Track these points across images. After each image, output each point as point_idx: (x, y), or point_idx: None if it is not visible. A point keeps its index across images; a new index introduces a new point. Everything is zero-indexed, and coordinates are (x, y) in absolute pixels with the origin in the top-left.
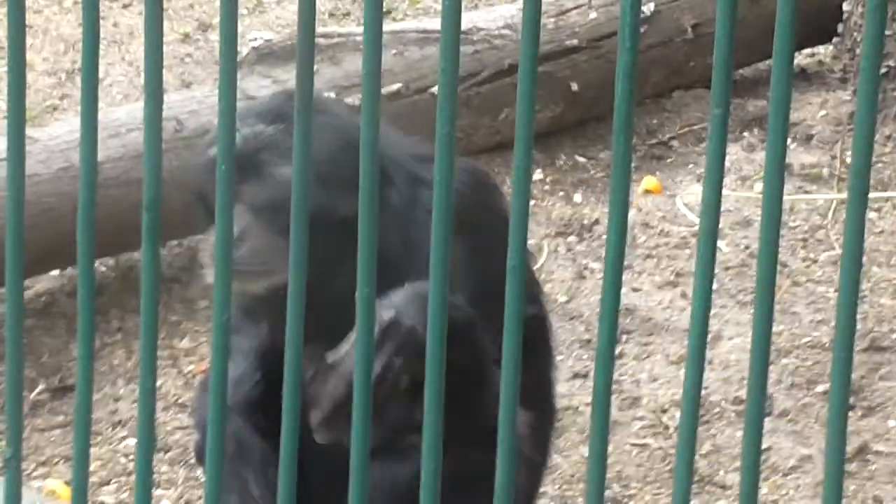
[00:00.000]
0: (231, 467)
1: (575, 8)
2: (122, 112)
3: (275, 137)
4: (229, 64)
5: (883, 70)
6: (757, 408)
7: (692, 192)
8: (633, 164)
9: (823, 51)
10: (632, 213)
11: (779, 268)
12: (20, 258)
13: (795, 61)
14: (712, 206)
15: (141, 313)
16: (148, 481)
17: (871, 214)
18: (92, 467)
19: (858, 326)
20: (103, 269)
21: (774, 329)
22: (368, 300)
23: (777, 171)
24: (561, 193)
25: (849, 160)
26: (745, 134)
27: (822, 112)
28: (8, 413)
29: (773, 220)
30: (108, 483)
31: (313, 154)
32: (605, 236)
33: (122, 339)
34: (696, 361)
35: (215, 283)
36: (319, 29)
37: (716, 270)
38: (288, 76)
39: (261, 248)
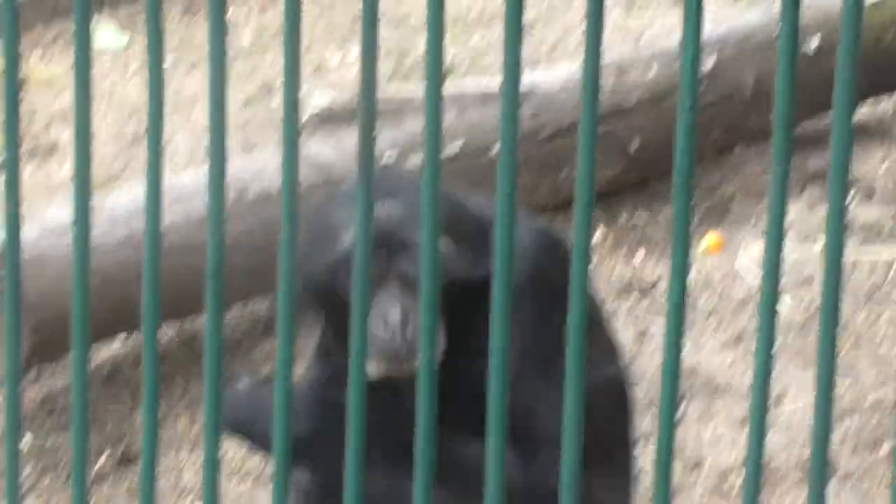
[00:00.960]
0: None
1: (634, 66)
2: (186, 178)
3: (407, 209)
4: (292, 128)
5: None
6: (820, 470)
7: (754, 250)
8: (693, 223)
9: (885, 103)
10: (692, 272)
11: (841, 326)
12: (86, 327)
13: (856, 115)
14: (773, 266)
15: (205, 381)
16: None
17: None
18: None
19: None
20: (166, 335)
21: (837, 389)
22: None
23: (838, 228)
24: (622, 252)
25: None
26: (807, 190)
27: (885, 166)
28: (74, 482)
29: (835, 279)
30: None
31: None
32: (665, 296)
33: (187, 405)
34: (759, 423)
35: (278, 348)
36: (380, 91)
37: (778, 329)
38: (351, 138)
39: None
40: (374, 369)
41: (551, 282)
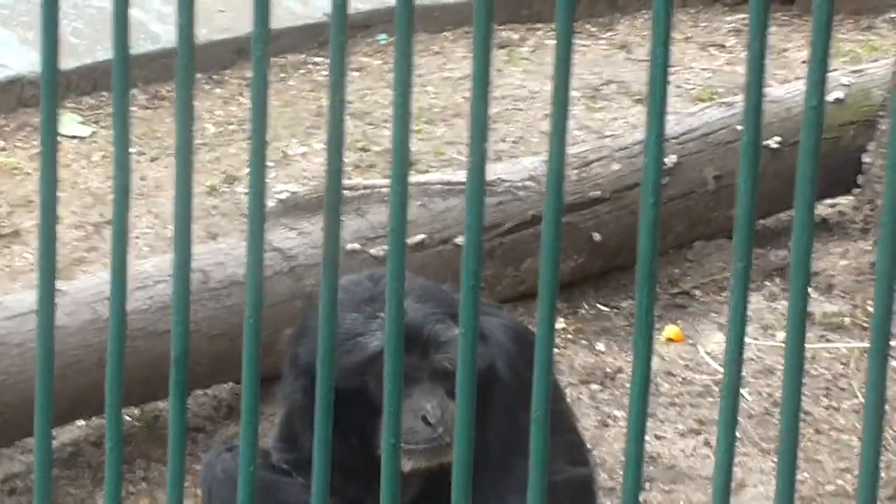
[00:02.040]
0: None
1: (598, 160)
2: (149, 265)
3: (434, 308)
4: (257, 217)
5: None
6: None
7: (714, 341)
8: (655, 314)
9: (844, 201)
10: (654, 362)
11: (802, 416)
12: (49, 409)
13: (817, 212)
14: (735, 359)
15: (168, 465)
16: None
17: (893, 363)
18: None
19: (882, 475)
20: (128, 418)
21: (798, 477)
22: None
23: (799, 321)
24: (584, 342)
25: (870, 309)
26: (767, 283)
27: (844, 262)
28: None
29: (796, 369)
30: None
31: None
32: (628, 384)
33: (147, 488)
34: None
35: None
36: (345, 181)
37: (739, 419)
38: (313, 228)
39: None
40: (415, 462)
41: (525, 378)
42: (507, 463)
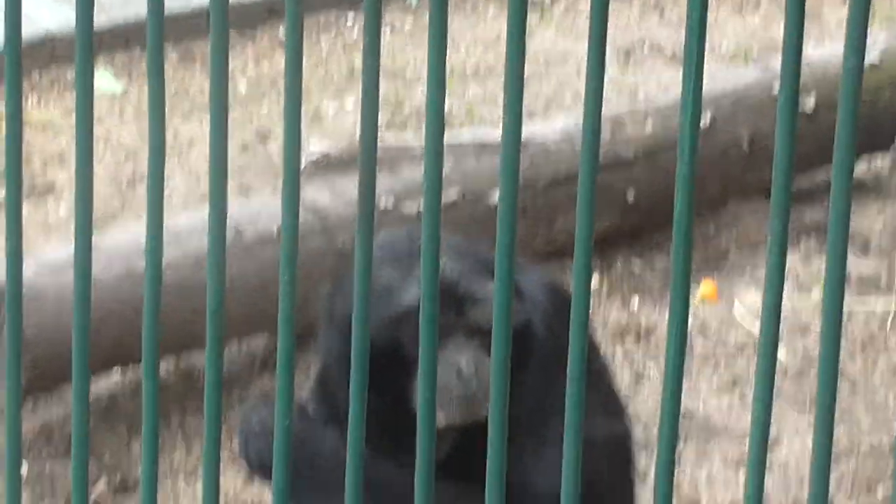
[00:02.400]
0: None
1: (631, 120)
2: (182, 219)
3: (470, 264)
4: (292, 173)
5: None
6: None
7: (749, 299)
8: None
9: (880, 162)
10: (689, 319)
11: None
12: (85, 360)
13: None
14: (773, 314)
15: (204, 416)
16: None
17: None
18: None
19: None
20: (163, 370)
21: (834, 433)
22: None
23: (837, 279)
24: (618, 299)
25: None
26: (802, 241)
27: (880, 220)
28: None
29: (834, 327)
30: None
31: None
32: (662, 341)
33: (182, 438)
34: (758, 465)
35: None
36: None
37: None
38: (346, 186)
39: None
40: (448, 417)
41: (562, 336)
42: (543, 419)
